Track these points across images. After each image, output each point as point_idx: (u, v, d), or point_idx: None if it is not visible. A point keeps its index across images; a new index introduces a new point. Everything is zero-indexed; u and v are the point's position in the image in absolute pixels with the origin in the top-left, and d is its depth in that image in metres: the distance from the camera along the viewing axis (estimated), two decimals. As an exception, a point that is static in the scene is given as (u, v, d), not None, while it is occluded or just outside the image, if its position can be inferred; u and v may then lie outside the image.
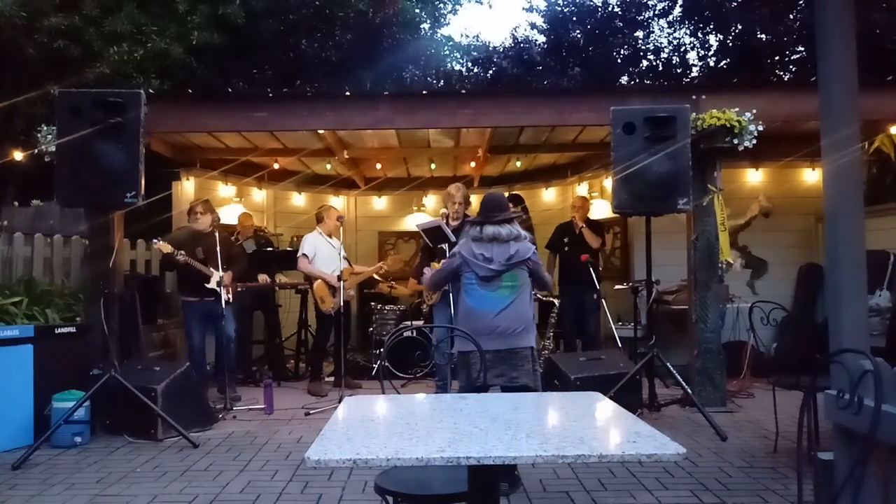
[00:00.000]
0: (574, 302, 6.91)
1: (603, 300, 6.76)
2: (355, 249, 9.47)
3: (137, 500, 3.71)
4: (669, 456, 1.72)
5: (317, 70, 12.49)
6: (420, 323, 7.31)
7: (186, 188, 7.65)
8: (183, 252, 5.90)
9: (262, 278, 7.25)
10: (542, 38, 17.99)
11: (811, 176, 7.64)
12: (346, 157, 7.91)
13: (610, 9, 17.09)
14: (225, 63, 10.74)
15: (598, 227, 7.19)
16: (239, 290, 6.66)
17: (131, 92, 5.01)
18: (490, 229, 3.91)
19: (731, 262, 5.91)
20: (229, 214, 8.06)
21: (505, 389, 3.82)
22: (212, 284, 6.01)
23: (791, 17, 14.06)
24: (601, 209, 8.00)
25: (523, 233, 3.97)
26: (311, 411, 5.76)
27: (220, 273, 5.98)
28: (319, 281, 6.55)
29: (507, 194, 7.52)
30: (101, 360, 5.19)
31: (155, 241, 5.98)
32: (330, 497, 3.68)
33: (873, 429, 1.82)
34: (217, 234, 6.01)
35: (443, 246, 5.60)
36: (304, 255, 6.66)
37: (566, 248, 7.12)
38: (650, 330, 5.58)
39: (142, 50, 8.99)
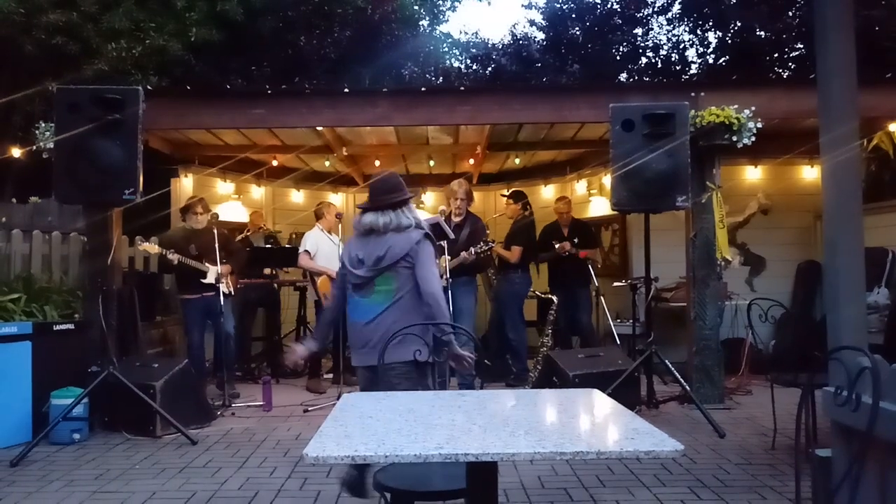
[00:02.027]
0: (567, 299, 6.90)
1: (601, 297, 6.76)
2: (354, 246, 9.47)
3: (136, 496, 3.71)
4: (667, 453, 1.72)
5: (315, 67, 12.48)
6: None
7: (185, 185, 7.64)
8: (173, 250, 5.90)
9: (267, 271, 7.27)
10: (541, 36, 17.98)
11: (810, 173, 7.64)
12: (345, 153, 7.91)
13: (609, 6, 17.09)
14: (223, 60, 10.73)
15: (588, 233, 7.12)
16: (240, 286, 6.67)
17: (129, 89, 5.02)
18: (368, 218, 3.33)
19: (730, 259, 5.91)
20: (228, 211, 8.06)
21: None
22: (209, 279, 6.01)
23: (790, 14, 14.06)
24: (600, 206, 8.00)
25: (412, 220, 3.36)
26: (310, 408, 5.76)
27: (218, 268, 5.98)
28: (324, 277, 6.54)
29: (508, 190, 7.51)
30: (100, 356, 5.18)
31: (139, 241, 5.97)
32: (328, 494, 3.69)
33: (871, 426, 1.83)
34: (215, 231, 6.01)
35: (442, 243, 5.60)
36: (305, 251, 6.65)
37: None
38: (648, 327, 5.58)
39: (140, 47, 8.99)
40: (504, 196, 7.41)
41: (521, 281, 6.72)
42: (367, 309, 3.28)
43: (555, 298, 6.78)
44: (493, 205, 9.75)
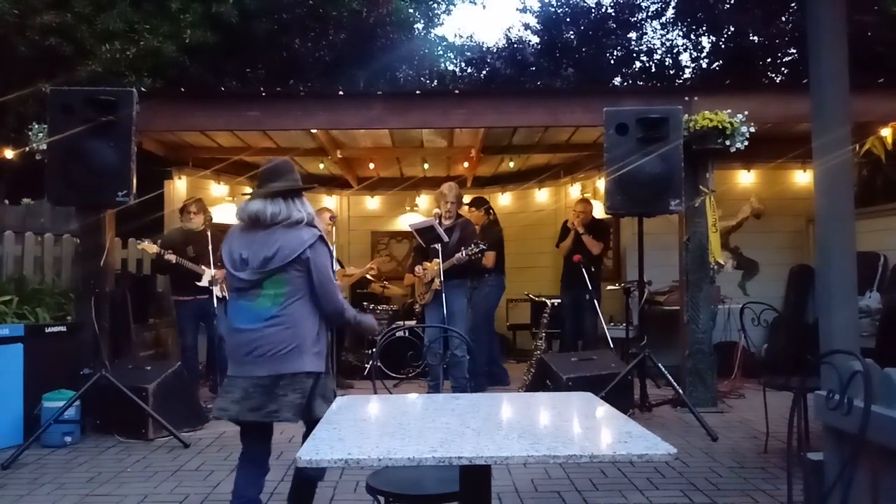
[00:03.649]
0: (573, 302, 6.95)
1: (595, 301, 6.77)
2: (348, 249, 9.46)
3: (128, 499, 3.70)
4: (660, 456, 1.72)
5: (310, 69, 12.46)
6: (412, 323, 7.31)
7: (178, 187, 7.63)
8: (171, 251, 5.89)
9: None
10: (535, 39, 18.00)
11: (802, 178, 7.67)
12: (339, 156, 7.90)
13: (603, 10, 17.11)
14: (218, 62, 10.70)
15: (602, 230, 7.17)
16: None
17: (123, 90, 5.00)
18: (254, 205, 2.92)
19: (723, 263, 5.93)
20: (222, 214, 8.03)
21: (259, 426, 3.06)
22: (203, 282, 6.01)
23: (783, 19, 14.11)
24: (594, 210, 8.01)
25: (304, 215, 2.96)
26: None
27: (212, 271, 5.97)
28: None
29: (471, 197, 7.45)
30: (92, 359, 5.16)
31: (139, 241, 5.96)
32: (321, 497, 3.67)
33: (863, 429, 1.83)
34: (209, 233, 6.00)
35: (436, 246, 5.60)
36: None
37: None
38: (642, 330, 5.59)
39: (134, 48, 8.96)
40: (466, 205, 7.45)
41: (496, 284, 6.77)
42: (254, 314, 2.89)
43: (548, 301, 6.79)
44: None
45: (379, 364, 6.64)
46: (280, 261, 2.85)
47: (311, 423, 2.83)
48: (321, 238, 2.97)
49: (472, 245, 5.75)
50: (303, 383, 2.88)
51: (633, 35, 17.05)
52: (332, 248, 3.15)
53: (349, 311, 3.12)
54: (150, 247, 5.87)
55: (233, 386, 2.93)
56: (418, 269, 6.07)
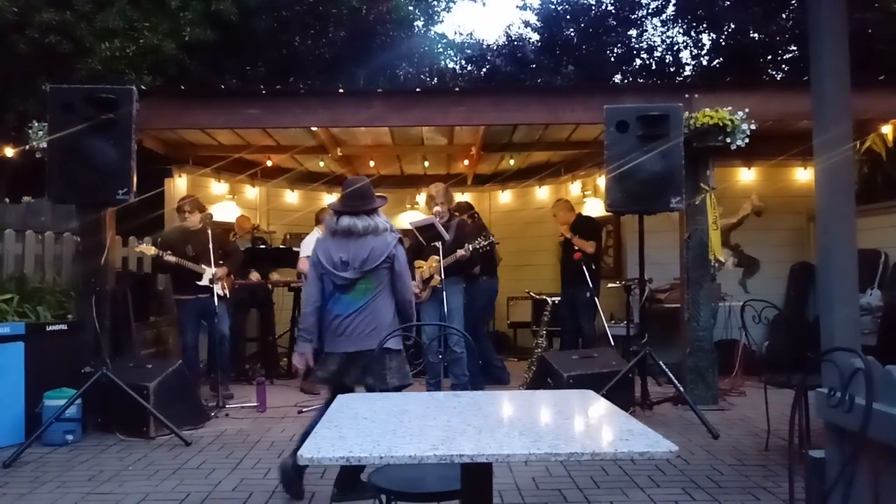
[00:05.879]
0: (570, 300, 6.94)
1: (595, 298, 6.77)
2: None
3: (129, 498, 3.70)
4: (661, 454, 1.72)
5: (310, 67, 12.46)
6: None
7: (179, 185, 7.62)
8: (170, 252, 5.88)
9: (255, 276, 7.22)
10: (535, 37, 17.99)
11: (803, 175, 7.66)
12: (340, 154, 7.90)
13: (603, 7, 17.10)
14: (218, 60, 10.69)
15: (590, 228, 7.12)
16: (235, 286, 6.63)
17: (123, 88, 5.00)
18: (345, 221, 3.63)
19: (723, 260, 5.93)
20: (222, 212, 8.03)
21: (349, 389, 3.69)
22: (204, 281, 5.99)
23: (784, 16, 14.11)
24: (595, 208, 8.01)
25: (386, 224, 3.70)
26: (304, 409, 5.75)
27: (213, 270, 5.96)
28: None
29: (456, 201, 7.42)
30: (93, 357, 5.16)
31: (138, 243, 5.96)
32: (323, 495, 3.68)
33: (864, 427, 1.83)
34: (209, 231, 5.98)
35: (436, 244, 5.59)
36: (306, 256, 6.61)
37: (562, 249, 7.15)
38: (643, 328, 5.59)
39: (134, 46, 8.97)
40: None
41: (485, 286, 6.73)
42: (347, 304, 3.64)
43: (549, 299, 6.79)
44: (487, 205, 9.76)
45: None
46: (373, 262, 3.59)
47: (385, 391, 3.47)
48: (400, 240, 3.72)
49: (481, 238, 5.72)
50: (382, 357, 3.53)
51: (633, 32, 17.04)
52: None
53: (413, 312, 3.81)
54: (149, 249, 5.86)
55: (330, 360, 3.65)
56: (415, 284, 6.07)
